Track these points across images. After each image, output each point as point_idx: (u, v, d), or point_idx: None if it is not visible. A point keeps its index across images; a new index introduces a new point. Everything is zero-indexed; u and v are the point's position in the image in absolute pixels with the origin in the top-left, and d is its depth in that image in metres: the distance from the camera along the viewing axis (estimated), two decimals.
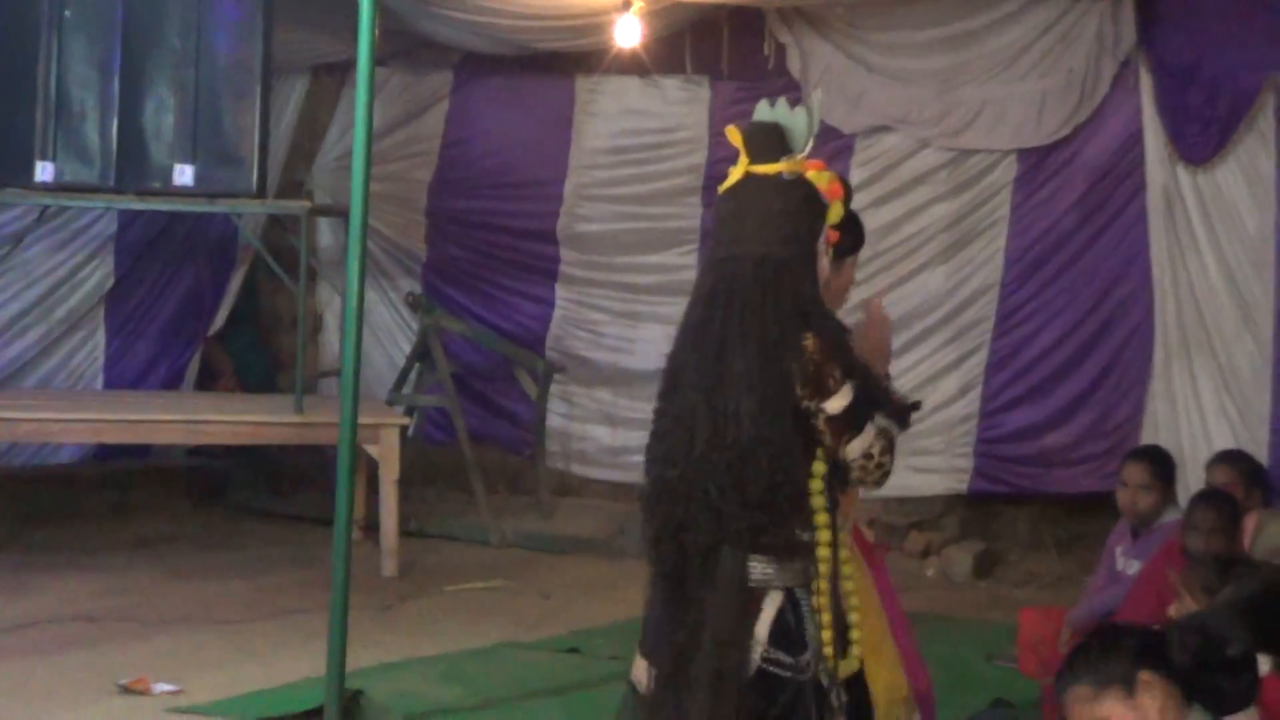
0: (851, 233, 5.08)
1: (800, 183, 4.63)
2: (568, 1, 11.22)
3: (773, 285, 4.55)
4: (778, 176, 4.58)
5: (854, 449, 4.44)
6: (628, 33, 11.06)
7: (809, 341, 4.65)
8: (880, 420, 4.52)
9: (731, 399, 4.36)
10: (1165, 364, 11.61)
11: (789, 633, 4.33)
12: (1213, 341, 11.41)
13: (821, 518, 4.44)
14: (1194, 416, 11.42)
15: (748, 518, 4.31)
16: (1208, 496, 8.50)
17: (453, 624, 10.00)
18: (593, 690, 8.79)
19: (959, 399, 12.30)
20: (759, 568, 4.38)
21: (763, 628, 4.37)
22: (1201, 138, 11.35)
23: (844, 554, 4.65)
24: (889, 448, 4.53)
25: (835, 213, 4.66)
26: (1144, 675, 4.47)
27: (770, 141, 4.64)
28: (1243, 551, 8.12)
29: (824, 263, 4.65)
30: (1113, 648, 4.63)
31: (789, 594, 4.37)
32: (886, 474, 4.59)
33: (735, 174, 4.66)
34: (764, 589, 4.38)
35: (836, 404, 4.43)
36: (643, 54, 11.78)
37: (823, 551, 4.46)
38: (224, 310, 13.16)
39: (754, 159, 4.61)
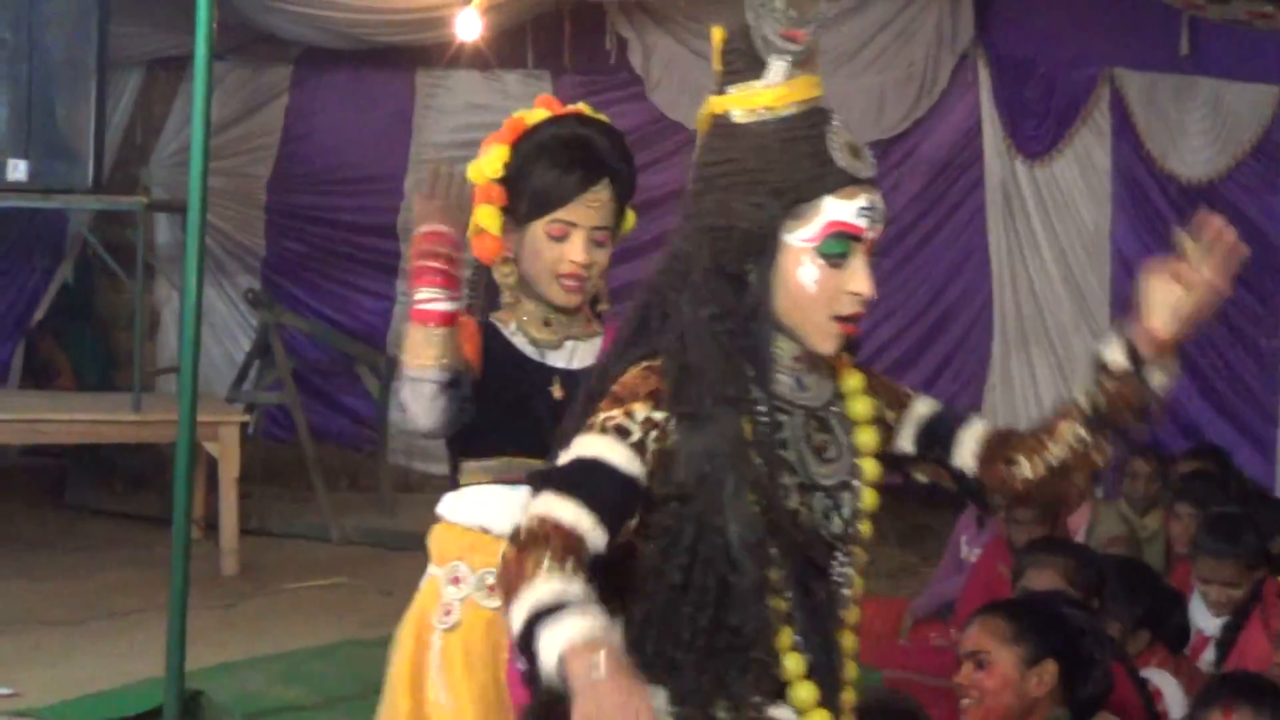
0: (538, 185, 3.96)
1: None
2: None
3: None
4: None
5: None
6: (468, 27, 11.13)
7: None
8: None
9: None
10: (1003, 355, 11.94)
11: None
12: (1050, 333, 11.76)
13: None
14: (1032, 407, 11.63)
15: None
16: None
17: (294, 622, 9.88)
18: None
19: None
20: None
21: None
22: (1038, 131, 11.68)
23: None
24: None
25: (486, 163, 3.97)
26: (1050, 664, 4.70)
27: None
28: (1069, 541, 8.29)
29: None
30: (1049, 624, 4.81)
31: None
32: None
33: None
34: None
35: None
36: (484, 48, 11.85)
37: None
38: (45, 303, 13.01)
39: None
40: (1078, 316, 11.71)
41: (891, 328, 12.13)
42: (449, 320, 3.74)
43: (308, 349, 12.99)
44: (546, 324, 4.05)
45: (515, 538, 2.71)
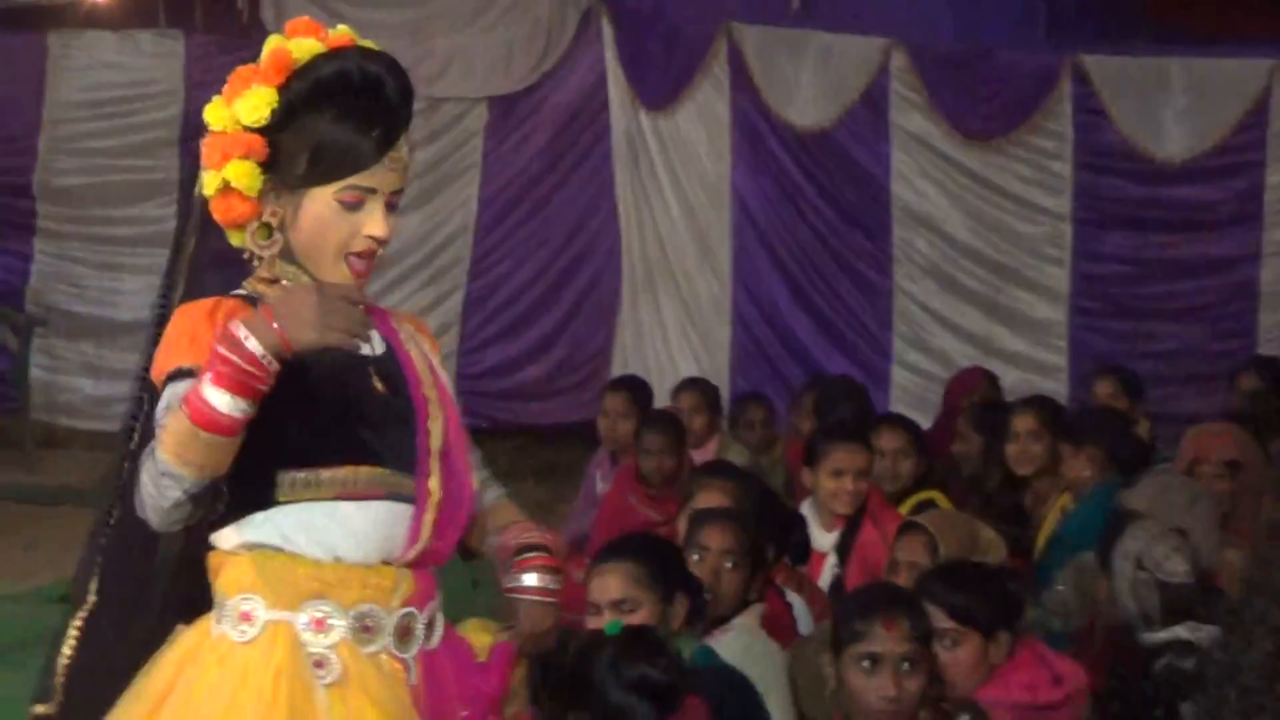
0: (323, 141, 3.26)
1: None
2: None
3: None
4: None
5: None
6: None
7: None
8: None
9: None
10: (632, 298, 12.40)
11: None
12: (676, 276, 12.25)
13: None
14: (660, 346, 12.26)
15: None
16: (654, 420, 8.92)
17: None
18: None
19: (438, 338, 12.11)
20: None
21: None
22: (661, 84, 12.06)
23: None
24: None
25: (244, 109, 3.22)
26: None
27: None
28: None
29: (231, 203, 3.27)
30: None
31: None
32: None
33: None
34: None
35: None
36: (115, 8, 11.88)
37: None
38: None
39: None
40: (701, 260, 12.18)
41: (524, 275, 12.58)
42: (235, 431, 3.00)
43: None
44: None
45: None
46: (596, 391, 10.71)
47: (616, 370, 12.09)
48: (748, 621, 5.63)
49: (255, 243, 3.24)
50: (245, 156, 3.15)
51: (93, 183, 13.04)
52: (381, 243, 3.25)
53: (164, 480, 2.99)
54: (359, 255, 3.23)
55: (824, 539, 7.23)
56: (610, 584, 5.03)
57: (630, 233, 12.40)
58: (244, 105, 3.14)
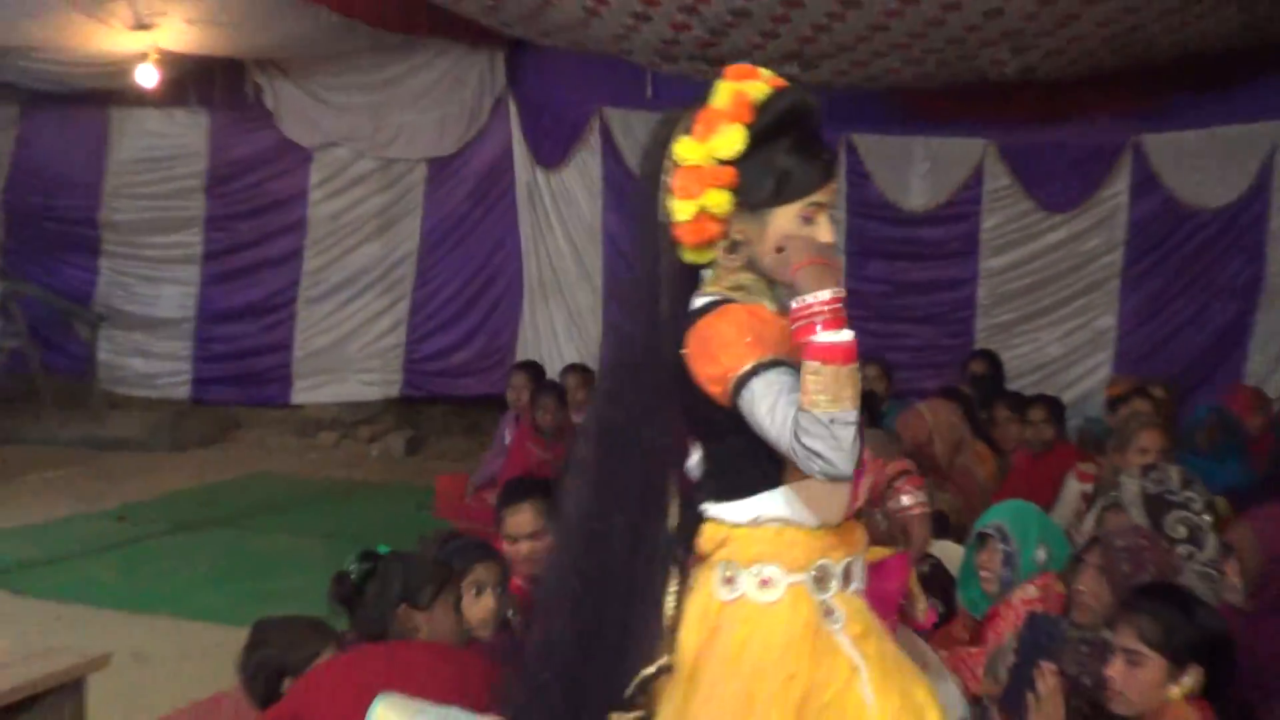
0: (782, 167, 3.27)
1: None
2: (102, 51, 11.87)
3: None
4: None
5: None
6: (147, 76, 11.99)
7: None
8: None
9: None
10: (531, 305, 13.50)
11: None
12: (562, 290, 13.33)
13: None
14: (550, 339, 13.34)
15: None
16: (548, 387, 10.04)
17: (30, 503, 10.97)
18: (137, 545, 9.89)
19: (390, 333, 13.96)
20: None
21: None
22: (552, 150, 13.25)
23: None
24: None
25: (717, 145, 3.24)
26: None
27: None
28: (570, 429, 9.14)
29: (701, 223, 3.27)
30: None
31: None
32: None
33: None
34: None
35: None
36: (158, 92, 12.70)
37: None
38: None
39: None
40: (581, 279, 13.30)
41: (454, 287, 13.75)
42: (856, 355, 3.06)
43: (36, 308, 13.95)
44: (775, 302, 3.38)
45: None
46: (505, 371, 11.64)
47: (520, 356, 12.87)
48: None
49: (725, 258, 3.28)
50: (721, 186, 3.19)
51: (141, 218, 14.19)
52: (834, 249, 3.24)
53: (836, 428, 2.99)
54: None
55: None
56: (524, 520, 5.53)
57: (530, 258, 13.44)
58: (720, 141, 3.20)
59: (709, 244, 3.26)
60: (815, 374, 2.99)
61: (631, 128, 12.77)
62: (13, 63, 12.54)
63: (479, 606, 4.96)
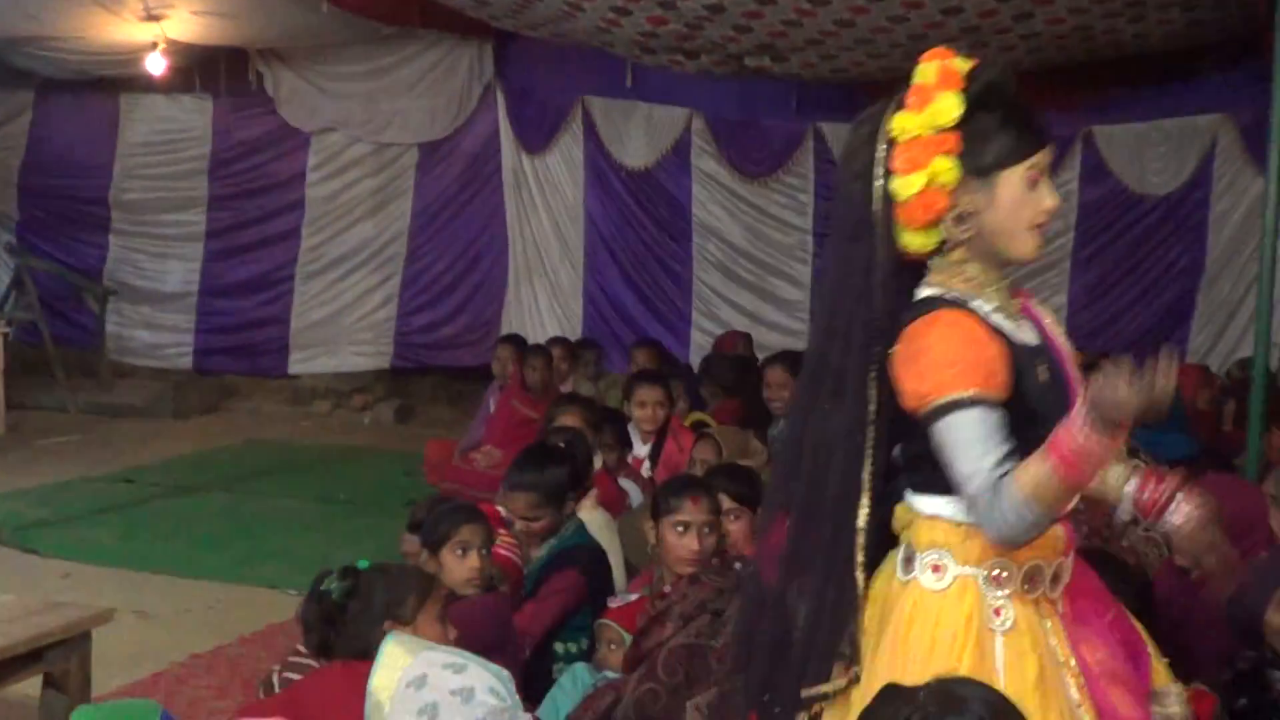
0: (1003, 132, 3.21)
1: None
2: (115, 41, 12.07)
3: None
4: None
5: None
6: (155, 65, 12.24)
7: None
8: None
9: None
10: (516, 283, 13.75)
11: None
12: (546, 268, 13.57)
13: None
14: (534, 316, 13.55)
15: None
16: (536, 350, 10.18)
17: (44, 466, 11.05)
18: (141, 508, 9.95)
19: (382, 307, 14.14)
20: None
21: None
22: (536, 136, 13.45)
23: None
24: None
25: (937, 112, 3.18)
26: None
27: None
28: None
29: (929, 194, 3.16)
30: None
31: None
32: None
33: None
34: None
35: None
36: (165, 79, 12.85)
37: None
38: None
39: None
40: (563, 257, 13.53)
41: (443, 264, 13.88)
42: (1087, 483, 3.08)
43: (49, 282, 14.21)
44: (1000, 293, 3.28)
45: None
46: (491, 344, 11.80)
47: (504, 330, 12.99)
48: (588, 502, 6.18)
49: (954, 231, 3.16)
50: (947, 153, 3.10)
51: (149, 198, 14.33)
52: (1053, 214, 3.19)
53: (1034, 523, 3.01)
54: (1039, 227, 3.20)
55: (641, 449, 8.09)
56: (518, 505, 5.71)
57: (515, 237, 13.65)
58: (937, 108, 3.12)
59: (936, 221, 3.18)
60: (1050, 475, 2.98)
61: (612, 115, 13.13)
62: (31, 51, 12.77)
63: (464, 566, 5.09)
